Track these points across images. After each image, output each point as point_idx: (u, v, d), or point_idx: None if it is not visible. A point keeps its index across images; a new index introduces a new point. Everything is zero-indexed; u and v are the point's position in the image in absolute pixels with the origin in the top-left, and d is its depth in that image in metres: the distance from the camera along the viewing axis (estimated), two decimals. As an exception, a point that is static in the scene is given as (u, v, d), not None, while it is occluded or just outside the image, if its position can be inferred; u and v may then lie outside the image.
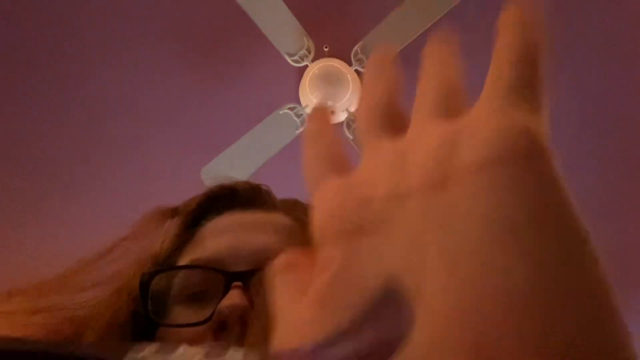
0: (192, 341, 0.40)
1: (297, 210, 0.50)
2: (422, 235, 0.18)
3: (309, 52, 1.66)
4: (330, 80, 1.68)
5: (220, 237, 0.47)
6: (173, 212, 0.53)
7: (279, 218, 0.49)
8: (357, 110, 0.25)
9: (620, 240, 2.19)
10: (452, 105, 0.22)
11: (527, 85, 0.21)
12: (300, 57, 1.66)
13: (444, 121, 0.21)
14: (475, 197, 0.18)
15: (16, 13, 1.69)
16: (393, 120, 0.23)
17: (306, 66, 1.69)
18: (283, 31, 1.59)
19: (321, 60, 1.69)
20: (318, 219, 0.22)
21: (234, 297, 0.41)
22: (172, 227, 0.50)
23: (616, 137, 1.98)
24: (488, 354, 0.16)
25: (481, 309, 0.16)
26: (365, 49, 1.62)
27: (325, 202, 0.22)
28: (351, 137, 1.71)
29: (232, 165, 1.75)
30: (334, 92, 1.67)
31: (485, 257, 0.17)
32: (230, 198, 0.52)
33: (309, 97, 1.70)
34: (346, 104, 1.68)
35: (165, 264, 0.47)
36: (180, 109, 1.92)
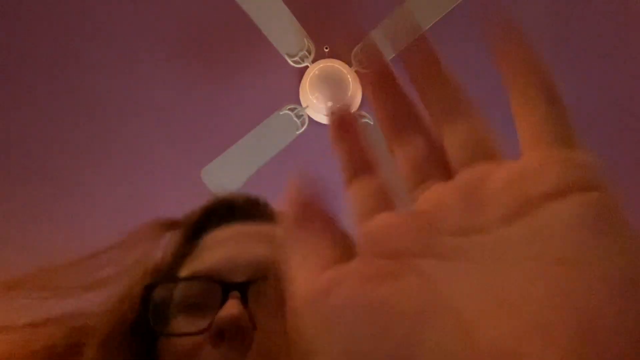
0: (192, 350, 0.42)
1: None
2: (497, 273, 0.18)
3: (310, 53, 1.66)
4: (330, 81, 1.68)
5: (219, 249, 0.49)
6: (172, 224, 0.54)
7: (275, 229, 0.50)
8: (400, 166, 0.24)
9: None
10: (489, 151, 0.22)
11: (564, 123, 0.21)
12: (300, 57, 1.66)
13: (497, 163, 0.21)
14: (560, 219, 0.18)
15: (16, 14, 1.69)
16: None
17: (306, 67, 1.69)
18: (283, 32, 1.59)
19: (321, 61, 1.69)
20: (372, 240, 0.21)
21: (231, 307, 0.42)
22: (173, 239, 0.52)
23: (619, 138, 1.98)
24: None
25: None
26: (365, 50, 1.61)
27: (385, 229, 0.21)
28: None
29: (232, 166, 1.75)
30: (335, 93, 1.67)
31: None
32: (228, 211, 0.54)
33: (310, 98, 1.70)
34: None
35: (167, 275, 0.49)
36: (180, 110, 1.92)
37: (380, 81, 0.25)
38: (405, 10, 1.49)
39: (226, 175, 1.76)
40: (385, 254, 0.20)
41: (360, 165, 0.25)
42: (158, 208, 2.10)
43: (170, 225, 0.54)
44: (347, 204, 0.24)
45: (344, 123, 0.25)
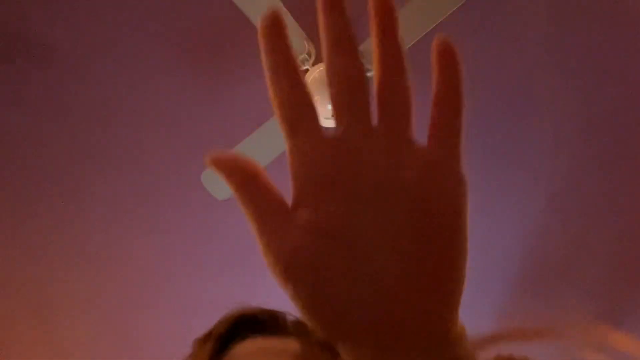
0: None
1: (310, 334, 0.58)
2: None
3: (310, 56, 1.66)
4: (330, 84, 1.67)
5: None
6: (207, 335, 0.62)
7: (293, 344, 0.56)
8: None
9: (623, 240, 2.19)
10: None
11: (462, 135, 0.31)
12: (301, 61, 1.66)
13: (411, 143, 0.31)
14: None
15: (15, 14, 1.70)
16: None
17: (307, 70, 1.69)
18: (284, 35, 1.59)
19: (322, 64, 1.69)
20: (304, 168, 0.30)
21: None
22: (205, 354, 0.59)
23: (620, 139, 1.98)
24: None
25: None
26: (366, 52, 1.62)
27: (312, 152, 0.30)
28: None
29: (232, 169, 1.75)
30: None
31: None
32: (252, 324, 0.60)
33: (310, 101, 1.70)
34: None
35: None
36: (180, 113, 1.92)
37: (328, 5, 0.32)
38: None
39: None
40: (313, 181, 0.29)
41: (284, 65, 0.31)
42: (158, 211, 2.10)
43: (204, 339, 0.61)
44: (270, 104, 0.31)
45: (274, 22, 0.31)
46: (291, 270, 0.28)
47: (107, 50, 1.79)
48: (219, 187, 1.79)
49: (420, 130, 0.31)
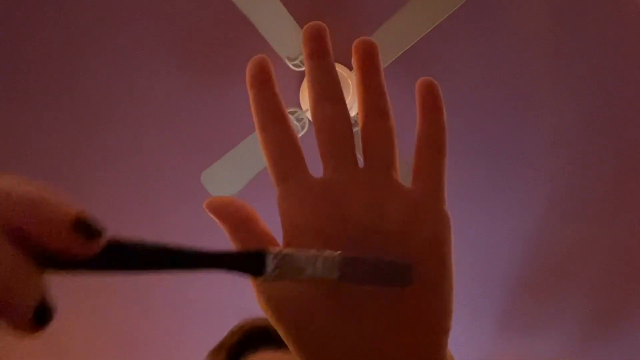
0: None
1: None
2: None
3: (310, 57, 1.66)
4: (330, 85, 1.67)
5: None
6: (219, 347, 0.64)
7: None
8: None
9: (624, 240, 2.19)
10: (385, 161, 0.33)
11: (444, 174, 0.33)
12: (300, 61, 1.66)
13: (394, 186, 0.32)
14: None
15: (14, 14, 1.69)
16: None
17: (304, 71, 1.69)
18: (283, 35, 1.59)
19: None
20: (295, 218, 0.31)
21: None
22: None
23: (620, 139, 1.98)
24: None
25: None
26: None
27: (298, 197, 0.31)
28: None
29: (232, 170, 1.75)
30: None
31: None
32: (263, 336, 0.62)
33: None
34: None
35: None
36: (179, 113, 1.92)
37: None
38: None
39: (226, 178, 1.76)
40: (301, 227, 0.30)
41: (272, 115, 0.32)
42: (158, 211, 2.10)
43: (217, 351, 0.63)
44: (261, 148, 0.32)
45: (262, 71, 0.32)
46: (279, 314, 0.30)
47: (106, 50, 1.78)
48: (219, 187, 1.79)
49: (410, 132, 0.32)
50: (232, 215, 0.32)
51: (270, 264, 0.28)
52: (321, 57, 0.34)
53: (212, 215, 0.32)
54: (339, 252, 0.28)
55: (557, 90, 1.88)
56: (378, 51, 0.34)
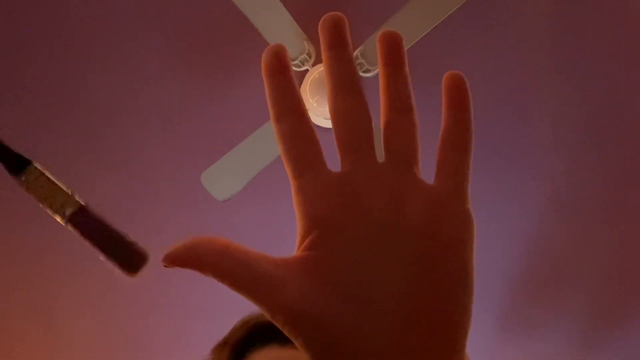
0: None
1: None
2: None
3: (310, 57, 1.66)
4: (330, 85, 1.67)
5: None
6: (223, 344, 0.63)
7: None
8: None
9: (624, 240, 2.19)
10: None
11: (469, 172, 0.32)
12: (301, 61, 1.66)
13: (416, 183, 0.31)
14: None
15: (15, 14, 1.70)
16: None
17: (307, 71, 1.69)
18: (283, 35, 1.59)
19: (322, 64, 1.68)
20: (315, 209, 0.29)
21: None
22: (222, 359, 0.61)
23: (621, 139, 1.98)
24: None
25: None
26: (365, 53, 1.62)
27: (321, 194, 0.30)
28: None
29: (232, 170, 1.75)
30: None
31: None
32: (268, 332, 0.61)
33: (310, 102, 1.70)
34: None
35: None
36: (179, 114, 1.92)
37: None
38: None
39: (226, 179, 1.76)
40: (318, 223, 0.29)
41: (289, 104, 0.31)
42: (158, 212, 2.10)
43: (222, 346, 0.62)
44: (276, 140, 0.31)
45: (279, 59, 0.31)
46: (292, 321, 0.27)
47: (106, 50, 1.79)
48: (219, 187, 1.79)
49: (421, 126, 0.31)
50: (208, 256, 0.28)
51: (29, 173, 0.30)
52: (340, 48, 0.32)
53: (183, 267, 0.29)
54: (85, 203, 0.28)
55: (557, 90, 1.88)
56: (404, 44, 0.32)
